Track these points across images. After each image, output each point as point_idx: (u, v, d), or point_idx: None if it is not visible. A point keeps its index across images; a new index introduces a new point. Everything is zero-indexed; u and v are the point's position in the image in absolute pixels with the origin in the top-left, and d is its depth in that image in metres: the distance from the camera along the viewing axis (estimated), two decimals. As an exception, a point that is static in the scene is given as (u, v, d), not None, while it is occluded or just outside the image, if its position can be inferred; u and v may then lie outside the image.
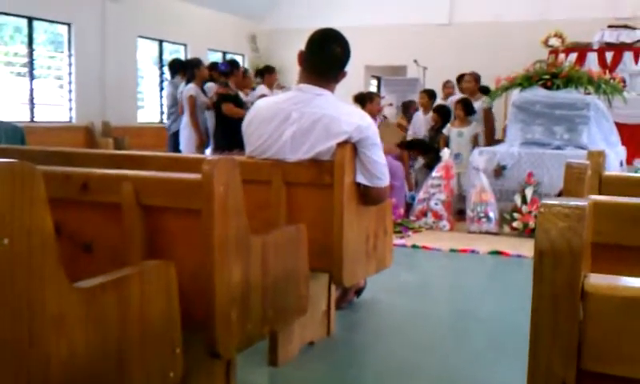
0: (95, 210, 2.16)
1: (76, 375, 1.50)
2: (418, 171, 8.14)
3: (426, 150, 7.88)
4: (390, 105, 10.59)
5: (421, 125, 8.60)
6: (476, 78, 8.46)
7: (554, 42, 10.93)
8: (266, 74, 9.05)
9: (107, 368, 1.60)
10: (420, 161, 8.21)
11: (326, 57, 3.02)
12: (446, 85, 9.23)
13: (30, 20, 9.95)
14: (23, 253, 1.35)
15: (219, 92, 7.40)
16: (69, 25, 10.51)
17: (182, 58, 11.33)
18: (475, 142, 7.57)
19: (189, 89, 7.96)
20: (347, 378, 2.96)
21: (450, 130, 7.72)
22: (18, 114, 9.67)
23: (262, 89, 8.57)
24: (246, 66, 13.70)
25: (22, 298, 1.36)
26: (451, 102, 8.68)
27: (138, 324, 1.71)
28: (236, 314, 2.08)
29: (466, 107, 7.67)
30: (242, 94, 7.92)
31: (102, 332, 1.58)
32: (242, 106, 7.24)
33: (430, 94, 9.00)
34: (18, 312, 1.35)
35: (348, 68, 3.09)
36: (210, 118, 7.98)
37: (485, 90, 8.50)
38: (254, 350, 2.53)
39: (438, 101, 8.95)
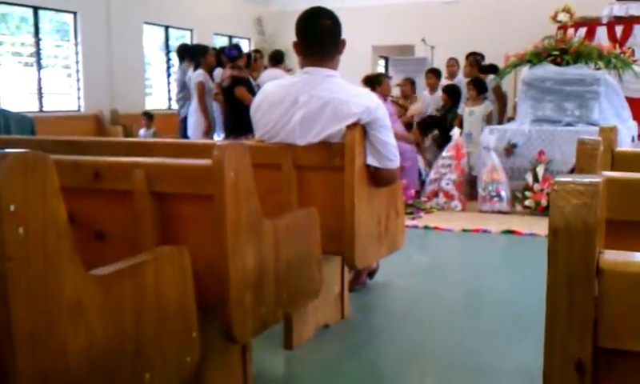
0: (107, 197, 2.17)
1: (94, 362, 1.51)
2: (427, 150, 8.12)
3: (442, 127, 7.93)
4: (399, 85, 10.52)
5: (428, 104, 8.56)
6: (471, 63, 8.39)
7: (563, 17, 10.81)
8: (281, 60, 9.01)
9: (124, 354, 1.62)
10: (427, 140, 8.20)
11: (319, 34, 3.00)
12: (450, 63, 9.17)
13: (36, 9, 9.96)
14: (38, 242, 1.36)
15: (233, 74, 7.38)
16: (74, 13, 10.51)
17: (189, 43, 11.32)
18: (489, 121, 7.53)
19: (197, 75, 7.97)
20: (362, 359, 2.97)
21: (463, 109, 7.70)
22: (26, 104, 9.71)
23: (276, 72, 8.52)
24: (252, 49, 13.67)
25: (38, 287, 1.37)
26: (459, 80, 8.63)
27: (154, 310, 1.72)
28: (250, 297, 2.09)
29: (478, 86, 7.63)
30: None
31: (119, 319, 1.60)
32: (253, 89, 7.24)
33: (437, 74, 8.95)
34: (35, 301, 1.37)
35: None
36: (216, 106, 8.01)
37: (491, 69, 8.44)
38: (268, 334, 2.54)
39: (443, 80, 8.89)
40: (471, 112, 7.59)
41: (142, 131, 10.12)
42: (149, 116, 10.22)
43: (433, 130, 7.99)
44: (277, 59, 8.79)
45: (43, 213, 1.37)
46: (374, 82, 7.01)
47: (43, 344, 1.39)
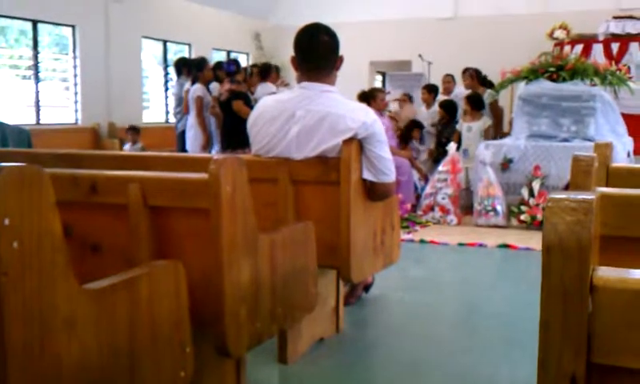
0: (103, 211, 2.17)
1: (87, 376, 1.51)
2: (423, 164, 8.14)
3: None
4: (396, 100, 10.56)
5: (424, 119, 8.60)
6: (472, 74, 8.45)
7: (560, 34, 10.90)
8: (269, 72, 9.06)
9: (118, 369, 1.61)
10: (423, 155, 8.24)
11: (317, 49, 3.02)
12: (446, 79, 9.23)
13: (35, 23, 9.98)
14: (33, 256, 1.36)
15: (232, 88, 7.42)
16: (73, 27, 10.54)
17: (187, 57, 11.35)
18: (487, 136, 7.55)
19: (196, 89, 8.00)
20: (357, 374, 2.97)
21: (461, 124, 7.74)
22: (23, 117, 9.71)
23: (267, 86, 8.57)
24: (251, 64, 13.72)
25: (32, 300, 1.37)
26: (457, 94, 8.67)
27: (148, 324, 1.72)
28: (245, 312, 2.09)
29: (473, 102, 7.66)
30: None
31: (113, 333, 1.59)
32: (251, 103, 7.28)
33: (431, 89, 8.99)
34: (29, 314, 1.36)
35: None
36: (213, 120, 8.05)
37: (489, 84, 8.48)
38: (263, 348, 2.54)
39: (439, 96, 8.94)
40: (469, 128, 7.61)
41: (127, 146, 9.55)
42: (135, 130, 9.67)
43: (415, 132, 8.02)
44: (265, 73, 8.81)
45: (38, 227, 1.37)
46: (368, 97, 7.05)
47: (36, 358, 1.38)
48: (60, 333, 1.43)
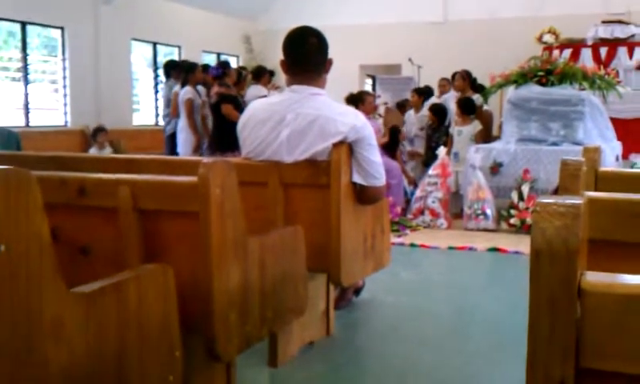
0: (92, 214, 2.16)
1: (75, 380, 1.50)
2: (414, 169, 8.15)
3: (428, 146, 7.99)
4: (386, 104, 10.58)
5: (412, 124, 8.61)
6: (463, 76, 8.47)
7: (548, 38, 10.95)
8: (262, 75, 9.07)
9: (106, 373, 1.60)
10: (412, 162, 8.25)
11: (306, 52, 3.02)
12: (441, 82, 9.26)
13: (24, 24, 9.93)
14: (20, 259, 1.35)
15: (220, 92, 7.40)
16: (62, 28, 10.49)
17: (177, 60, 11.33)
18: (477, 140, 7.56)
19: (185, 92, 7.99)
20: (347, 377, 2.96)
21: (453, 128, 7.75)
22: (13, 119, 9.64)
23: (259, 89, 8.57)
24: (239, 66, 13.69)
25: (20, 304, 1.36)
26: (448, 97, 8.69)
27: (137, 328, 1.71)
28: (235, 315, 2.08)
29: (463, 107, 7.66)
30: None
31: (101, 337, 1.58)
32: (240, 106, 7.27)
33: (421, 93, 9.00)
34: (17, 318, 1.35)
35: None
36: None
37: (481, 88, 8.51)
38: (253, 351, 2.53)
39: (434, 99, 8.96)
40: (459, 132, 7.62)
41: (92, 150, 8.86)
42: (104, 131, 9.08)
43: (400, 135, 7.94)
44: (257, 75, 8.86)
45: (26, 230, 1.36)
46: (357, 100, 7.04)
47: (24, 361, 1.37)
48: (48, 336, 1.43)
